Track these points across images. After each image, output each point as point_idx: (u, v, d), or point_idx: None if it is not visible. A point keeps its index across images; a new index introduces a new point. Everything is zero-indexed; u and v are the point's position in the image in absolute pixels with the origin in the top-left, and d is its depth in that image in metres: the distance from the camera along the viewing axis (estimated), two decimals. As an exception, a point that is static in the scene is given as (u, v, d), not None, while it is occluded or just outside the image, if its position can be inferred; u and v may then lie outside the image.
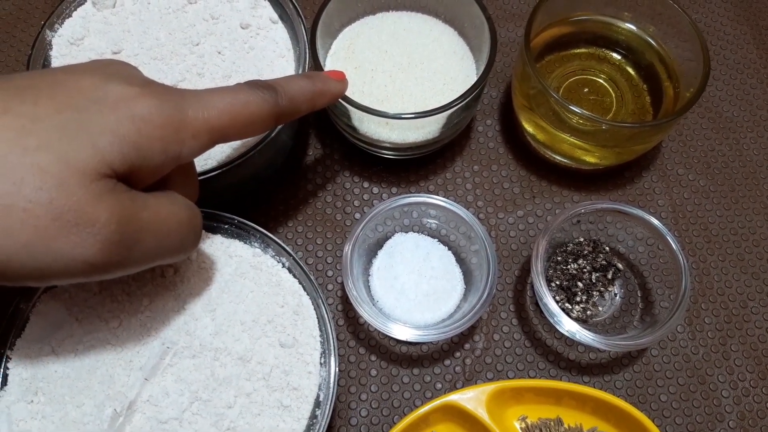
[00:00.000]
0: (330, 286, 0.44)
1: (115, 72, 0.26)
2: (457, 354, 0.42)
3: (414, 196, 0.41)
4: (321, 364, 0.35)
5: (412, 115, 0.39)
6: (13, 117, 0.23)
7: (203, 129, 0.27)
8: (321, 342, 0.35)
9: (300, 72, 0.40)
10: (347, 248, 0.39)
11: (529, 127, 0.46)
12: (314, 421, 0.34)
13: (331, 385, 0.34)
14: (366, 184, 0.47)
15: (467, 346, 0.43)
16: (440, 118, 0.41)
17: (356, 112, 0.40)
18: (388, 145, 0.44)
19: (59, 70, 0.26)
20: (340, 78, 0.36)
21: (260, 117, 0.29)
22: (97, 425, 0.32)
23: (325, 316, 0.36)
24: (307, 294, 0.36)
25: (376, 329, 0.43)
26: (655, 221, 0.41)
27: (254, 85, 0.30)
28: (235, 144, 0.38)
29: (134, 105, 0.25)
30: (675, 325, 0.38)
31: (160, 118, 0.25)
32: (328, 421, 0.33)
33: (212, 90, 0.28)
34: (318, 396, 0.34)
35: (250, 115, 0.29)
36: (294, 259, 0.37)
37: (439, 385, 0.42)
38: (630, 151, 0.44)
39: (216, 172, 0.37)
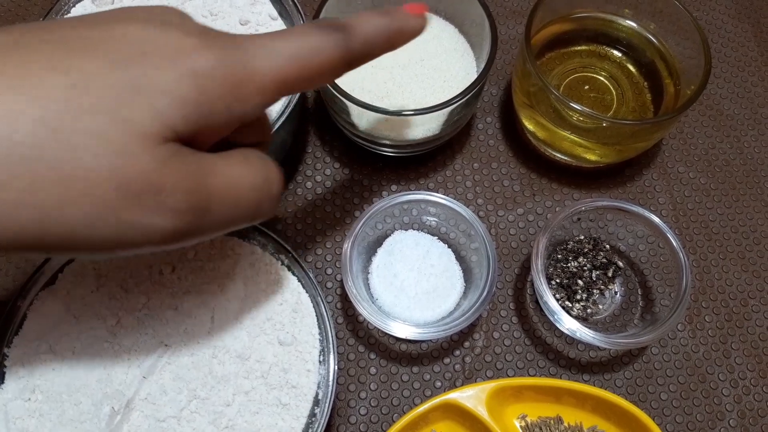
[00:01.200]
0: (329, 284, 0.44)
1: (167, 19, 0.23)
2: (457, 352, 0.42)
3: (414, 194, 0.41)
4: (320, 362, 0.35)
5: (412, 112, 0.39)
6: (61, 75, 0.20)
7: (270, 83, 0.24)
8: (320, 340, 0.35)
9: None
10: (346, 246, 0.39)
11: (529, 125, 0.46)
12: (313, 419, 0.33)
13: (330, 383, 0.34)
14: (365, 182, 0.47)
15: (467, 344, 0.42)
16: (440, 115, 0.41)
17: (356, 108, 0.40)
18: (387, 143, 0.43)
19: (101, 17, 0.23)
20: (421, 12, 0.29)
21: (331, 64, 0.25)
22: (95, 423, 0.32)
23: (324, 313, 0.36)
24: (306, 292, 0.36)
25: (375, 327, 0.42)
26: (656, 219, 0.40)
27: (323, 26, 0.26)
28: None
29: (194, 59, 0.22)
30: (675, 324, 0.38)
31: (223, 73, 0.23)
32: (327, 420, 0.33)
33: (277, 35, 0.25)
34: (317, 394, 0.34)
35: (321, 64, 0.25)
36: (293, 256, 0.37)
37: (438, 384, 0.41)
38: (630, 148, 0.44)
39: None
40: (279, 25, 0.42)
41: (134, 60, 0.21)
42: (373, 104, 0.39)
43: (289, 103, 0.39)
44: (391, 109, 0.39)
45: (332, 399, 0.34)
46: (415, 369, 0.42)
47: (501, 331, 0.43)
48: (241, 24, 0.41)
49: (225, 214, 0.24)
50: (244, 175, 0.25)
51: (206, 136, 0.24)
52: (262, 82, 0.24)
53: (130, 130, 0.21)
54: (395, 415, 0.40)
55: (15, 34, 0.22)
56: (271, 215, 0.27)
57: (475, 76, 0.43)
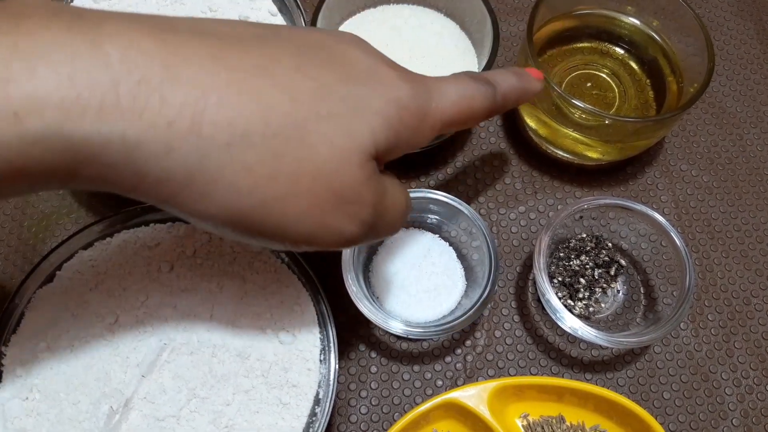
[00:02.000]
0: (329, 282, 0.44)
1: (370, 48, 0.26)
2: (458, 351, 0.42)
3: (415, 191, 0.41)
4: (320, 360, 0.34)
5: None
6: (307, 78, 0.22)
7: (439, 121, 0.26)
8: (320, 339, 0.35)
9: None
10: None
11: (531, 123, 0.46)
12: (314, 418, 0.33)
13: (331, 382, 0.34)
14: (366, 180, 0.47)
15: (468, 342, 0.42)
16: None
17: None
18: (388, 140, 0.43)
19: (320, 34, 0.25)
20: (540, 78, 0.35)
21: (479, 113, 0.29)
22: (93, 422, 0.31)
23: (325, 312, 0.35)
24: (307, 290, 0.36)
25: (376, 326, 0.42)
26: (659, 217, 0.40)
27: (476, 78, 0.29)
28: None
29: (397, 89, 0.24)
30: (679, 322, 0.38)
31: (415, 106, 0.25)
32: (328, 419, 0.33)
33: (445, 80, 0.28)
34: (317, 393, 0.34)
35: (472, 111, 0.28)
36: (293, 254, 0.36)
37: (440, 382, 0.41)
38: (633, 146, 0.44)
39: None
40: (279, 21, 0.41)
41: (357, 79, 0.24)
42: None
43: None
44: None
45: (333, 398, 0.33)
46: (416, 367, 0.41)
47: (503, 330, 0.43)
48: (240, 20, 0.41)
49: (383, 229, 0.26)
50: (402, 200, 0.27)
51: (385, 159, 0.26)
52: (434, 119, 0.26)
53: (353, 142, 0.23)
54: (396, 413, 0.40)
55: (241, 27, 0.23)
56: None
57: (476, 73, 0.43)
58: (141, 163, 0.20)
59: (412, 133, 0.25)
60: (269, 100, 0.21)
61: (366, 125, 0.23)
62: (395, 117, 0.24)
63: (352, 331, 0.42)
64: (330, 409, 0.33)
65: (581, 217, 0.42)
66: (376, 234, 0.26)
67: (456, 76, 0.28)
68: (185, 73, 0.20)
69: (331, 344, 0.35)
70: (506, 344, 0.42)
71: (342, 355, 0.41)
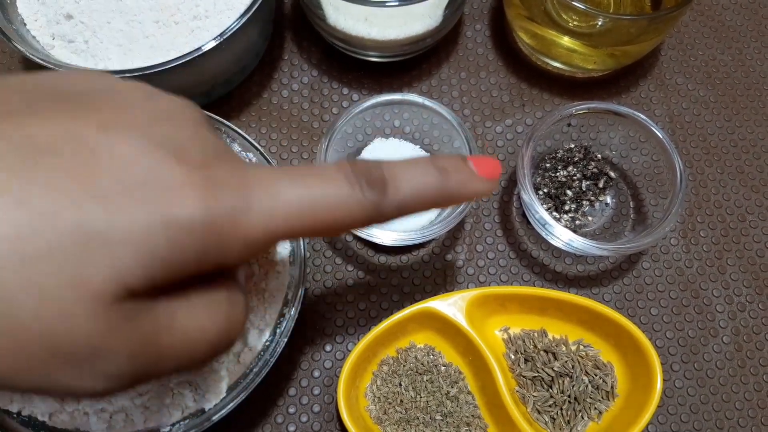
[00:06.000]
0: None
1: (166, 136, 0.19)
2: (438, 265, 0.40)
3: (398, 94, 0.38)
4: (290, 263, 0.33)
5: (396, 3, 0.36)
6: (12, 206, 0.16)
7: (260, 237, 0.19)
8: (290, 240, 0.33)
9: None
10: (324, 144, 0.37)
11: (520, 31, 0.43)
12: (281, 320, 0.32)
13: (301, 283, 0.32)
14: (345, 91, 0.44)
15: (449, 257, 0.40)
16: (424, 12, 0.38)
17: (332, 2, 0.37)
18: (368, 44, 0.41)
19: (92, 118, 0.18)
20: (493, 176, 0.23)
21: (346, 224, 0.21)
22: None
23: (295, 213, 0.33)
24: (276, 190, 0.34)
25: (353, 239, 0.40)
26: (646, 119, 0.38)
27: (357, 175, 0.20)
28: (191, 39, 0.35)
29: (175, 204, 0.18)
30: (674, 221, 0.36)
31: (204, 226, 0.18)
32: (295, 320, 0.31)
33: (290, 176, 0.20)
34: (287, 295, 0.32)
35: (332, 222, 0.20)
36: (261, 153, 0.34)
37: (418, 296, 0.39)
38: (626, 53, 0.41)
39: (173, 65, 0.34)
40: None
41: (107, 194, 0.17)
42: (351, -5, 0.36)
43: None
44: None
45: (301, 297, 0.32)
46: (395, 281, 0.40)
47: (485, 244, 0.41)
48: None
49: (170, 368, 0.20)
50: (205, 327, 0.20)
51: (167, 284, 0.19)
52: (250, 236, 0.19)
53: (78, 289, 0.17)
54: (372, 327, 0.38)
55: None
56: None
57: (461, -28, 0.40)
58: None
59: (201, 255, 0.18)
60: None
61: (103, 262, 0.17)
62: (162, 243, 0.18)
63: (328, 245, 0.40)
64: (297, 311, 0.32)
65: (569, 124, 0.40)
66: (156, 375, 0.20)
67: (326, 169, 0.20)
68: None
69: (301, 246, 0.33)
70: (488, 258, 0.40)
71: (317, 268, 0.40)
